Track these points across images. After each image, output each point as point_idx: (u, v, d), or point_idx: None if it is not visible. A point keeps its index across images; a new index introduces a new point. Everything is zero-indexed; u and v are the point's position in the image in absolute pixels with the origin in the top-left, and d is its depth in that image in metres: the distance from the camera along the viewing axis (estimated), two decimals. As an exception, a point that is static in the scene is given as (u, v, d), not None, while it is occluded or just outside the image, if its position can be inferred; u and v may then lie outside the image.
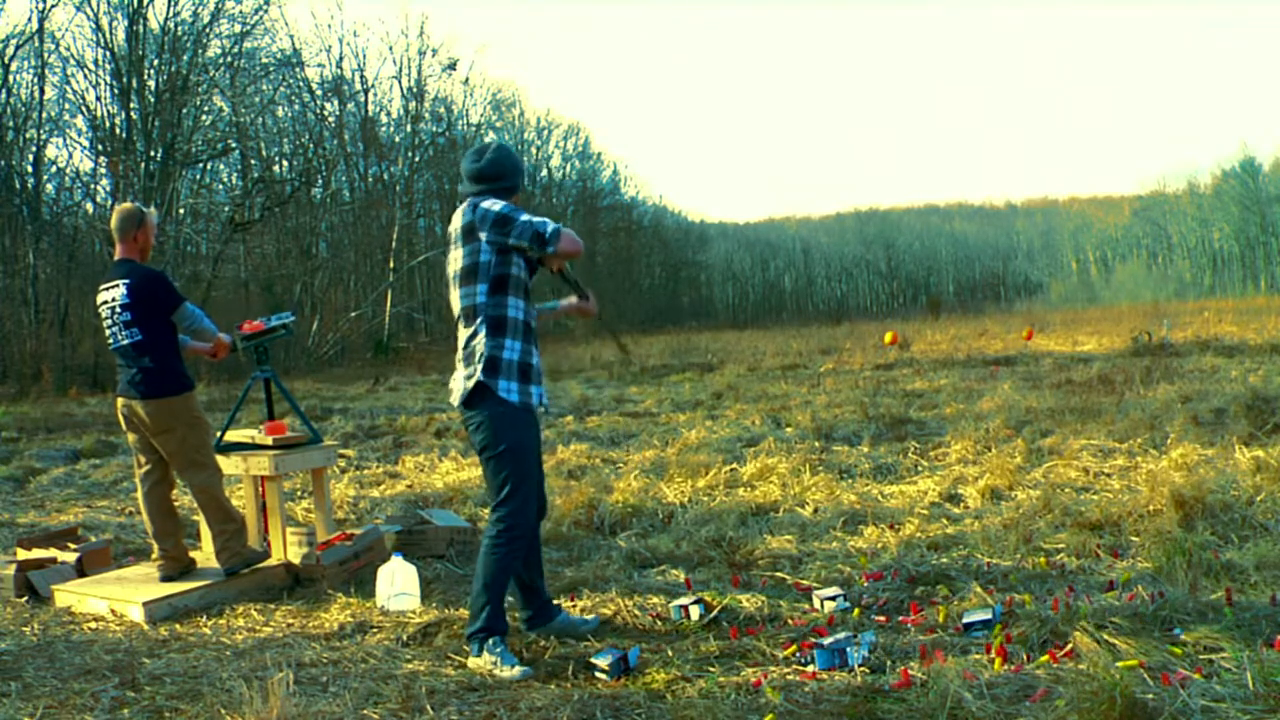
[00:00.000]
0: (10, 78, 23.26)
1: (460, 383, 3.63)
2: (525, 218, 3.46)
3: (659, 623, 3.97)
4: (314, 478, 5.39)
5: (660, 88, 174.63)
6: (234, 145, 27.67)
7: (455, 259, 3.62)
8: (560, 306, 3.99)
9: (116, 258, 4.79)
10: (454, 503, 6.73)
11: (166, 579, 4.73)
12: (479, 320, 3.58)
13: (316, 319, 27.62)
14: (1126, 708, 2.71)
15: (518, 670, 3.42)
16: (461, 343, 3.65)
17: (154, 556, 4.85)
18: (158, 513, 4.80)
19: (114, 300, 4.68)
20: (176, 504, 5.07)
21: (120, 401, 4.78)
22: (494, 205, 3.52)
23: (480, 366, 3.54)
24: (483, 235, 3.52)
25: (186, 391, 4.74)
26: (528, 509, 3.61)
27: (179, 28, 25.21)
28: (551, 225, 3.43)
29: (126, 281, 4.67)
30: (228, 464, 5.06)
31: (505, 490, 3.56)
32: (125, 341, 4.68)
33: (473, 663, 3.53)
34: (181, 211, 25.73)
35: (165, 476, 4.86)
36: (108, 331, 4.78)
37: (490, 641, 3.51)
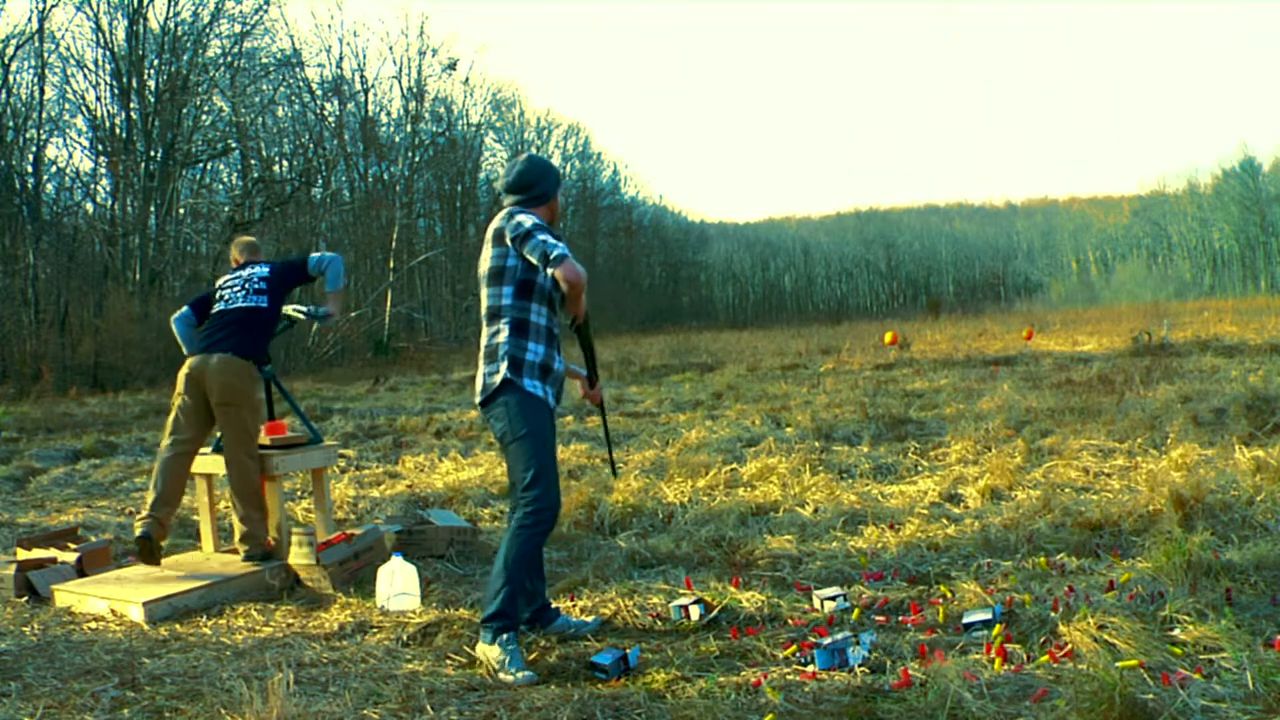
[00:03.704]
0: (10, 78, 23.27)
1: (482, 379, 3.70)
2: (542, 237, 3.53)
3: (659, 623, 3.97)
4: (314, 478, 5.39)
5: (660, 88, 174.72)
6: (234, 145, 27.69)
7: (485, 259, 3.73)
8: (571, 367, 4.05)
9: (241, 263, 5.32)
10: (454, 503, 6.73)
11: (144, 535, 4.71)
12: (503, 320, 3.67)
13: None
14: (1126, 708, 2.71)
15: (523, 675, 3.41)
16: (484, 340, 3.73)
17: (141, 516, 4.84)
18: (173, 478, 4.85)
19: (251, 274, 5.15)
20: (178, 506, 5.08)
21: (191, 361, 4.95)
22: (525, 220, 3.60)
23: (504, 364, 3.62)
24: (509, 241, 3.63)
25: (259, 371, 5.04)
26: (555, 493, 3.65)
27: (179, 28, 25.24)
28: (559, 250, 3.49)
29: (269, 265, 5.21)
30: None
31: (531, 474, 3.59)
32: (247, 305, 5.03)
33: (481, 650, 3.52)
34: (181, 211, 25.74)
35: (194, 452, 4.99)
36: (228, 297, 5.09)
37: (505, 636, 3.50)
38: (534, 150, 52.85)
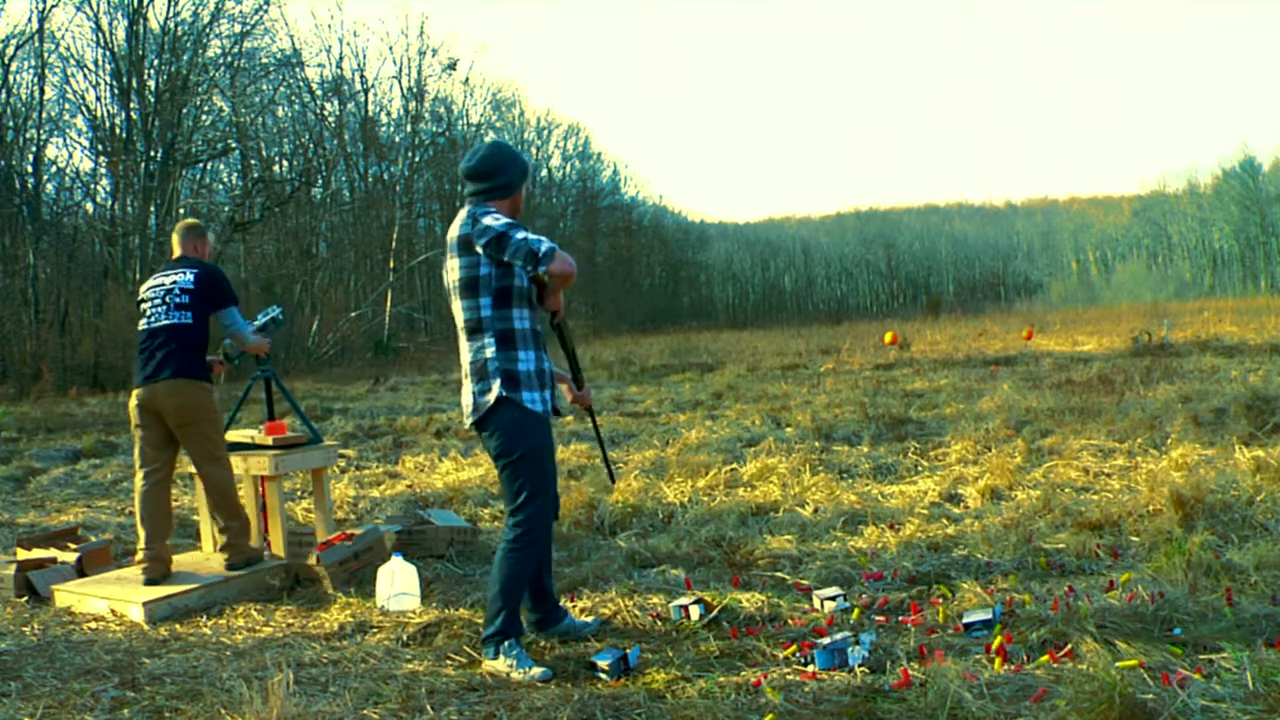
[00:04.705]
0: (10, 78, 23.25)
1: (472, 398, 3.55)
2: (521, 235, 3.35)
3: (659, 623, 3.97)
4: (314, 478, 5.39)
5: (660, 88, 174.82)
6: (234, 145, 27.68)
7: (453, 269, 3.53)
8: (555, 370, 3.91)
9: (176, 256, 5.02)
10: (454, 503, 6.73)
11: (150, 582, 4.70)
12: (486, 334, 3.50)
13: (316, 319, 27.62)
14: (1126, 708, 2.71)
15: (537, 672, 3.41)
16: (467, 357, 3.56)
17: (138, 559, 4.83)
18: (157, 511, 4.80)
19: (173, 283, 4.85)
20: (175, 504, 5.07)
21: (138, 391, 4.80)
22: (494, 221, 3.41)
23: (498, 382, 3.48)
24: (479, 249, 3.44)
25: (209, 384, 4.88)
26: (545, 514, 3.59)
27: (179, 28, 25.23)
28: (546, 244, 3.32)
29: (194, 271, 4.90)
30: (227, 464, 5.06)
31: (523, 496, 3.53)
32: (170, 321, 4.79)
33: (489, 665, 3.52)
34: (181, 211, 25.70)
35: (169, 476, 4.91)
36: (150, 313, 4.84)
37: (506, 644, 3.50)
38: (534, 150, 52.88)
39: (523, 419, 3.51)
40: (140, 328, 4.89)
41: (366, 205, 34.35)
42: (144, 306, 4.90)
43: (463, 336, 3.59)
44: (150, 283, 4.96)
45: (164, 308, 4.82)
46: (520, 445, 3.51)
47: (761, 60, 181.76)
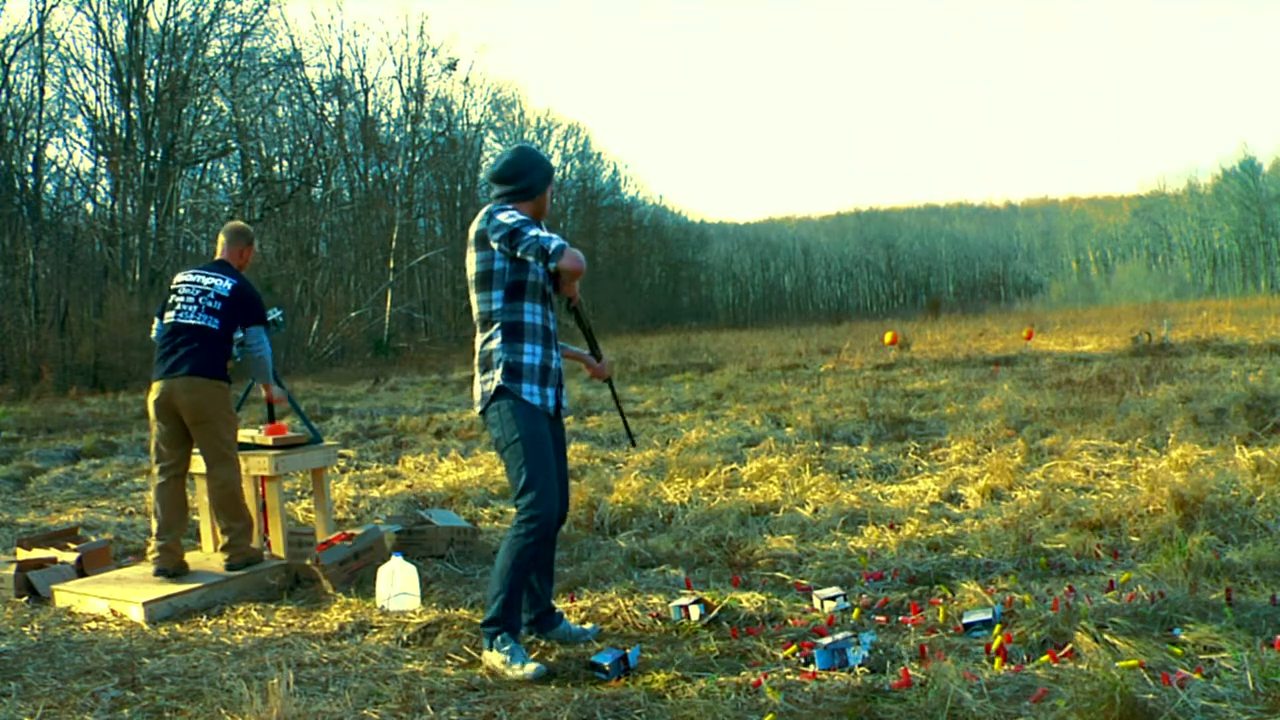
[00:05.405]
0: (10, 78, 23.25)
1: (480, 387, 3.65)
2: (533, 232, 3.44)
3: (659, 623, 3.96)
4: (314, 478, 5.39)
5: (660, 88, 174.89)
6: (234, 145, 27.69)
7: (470, 263, 3.65)
8: (571, 350, 4.03)
9: (218, 257, 5.10)
10: (454, 503, 6.73)
11: (161, 573, 4.72)
12: (495, 326, 3.61)
13: (316, 319, 27.62)
14: (1126, 708, 2.71)
15: (530, 668, 3.41)
16: (478, 346, 3.67)
17: (150, 550, 4.85)
18: (171, 505, 4.82)
19: (210, 286, 4.90)
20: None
21: (157, 386, 4.82)
22: (508, 218, 3.51)
23: (499, 372, 3.57)
24: (493, 244, 3.54)
25: (227, 384, 4.90)
26: (550, 498, 3.58)
27: (179, 28, 25.25)
28: (556, 242, 3.41)
29: (234, 282, 4.94)
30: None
31: (524, 480, 3.55)
32: (197, 322, 4.82)
33: (485, 657, 3.54)
34: (181, 211, 25.73)
35: (185, 472, 4.94)
36: (181, 308, 4.86)
37: (500, 637, 3.50)
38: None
39: (517, 408, 3.57)
40: (166, 319, 4.91)
41: (366, 205, 34.37)
42: (174, 299, 4.92)
43: (477, 328, 3.70)
44: (185, 276, 4.98)
45: (194, 307, 4.86)
46: (516, 431, 3.56)
47: (762, 60, 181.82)
